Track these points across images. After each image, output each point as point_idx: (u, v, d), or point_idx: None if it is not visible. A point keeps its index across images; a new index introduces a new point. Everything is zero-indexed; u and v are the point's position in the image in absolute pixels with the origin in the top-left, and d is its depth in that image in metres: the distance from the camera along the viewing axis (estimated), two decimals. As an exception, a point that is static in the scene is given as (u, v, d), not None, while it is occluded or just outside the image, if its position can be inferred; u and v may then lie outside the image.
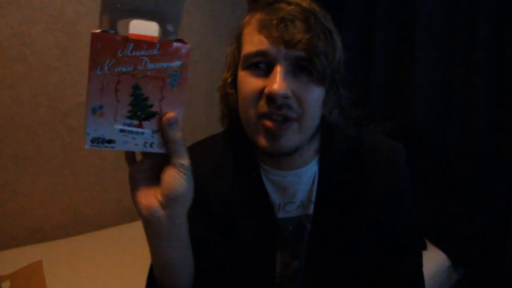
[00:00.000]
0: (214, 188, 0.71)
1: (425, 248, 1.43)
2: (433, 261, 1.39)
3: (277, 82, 0.59)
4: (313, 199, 0.71)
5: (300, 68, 0.61)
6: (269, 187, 0.71)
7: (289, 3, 0.63)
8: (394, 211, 0.71)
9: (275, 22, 0.60)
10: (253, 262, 0.72)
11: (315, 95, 0.62)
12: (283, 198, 0.72)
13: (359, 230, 0.70)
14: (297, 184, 0.71)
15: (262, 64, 0.62)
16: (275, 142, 0.62)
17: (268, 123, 0.61)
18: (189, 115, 1.91)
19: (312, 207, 0.71)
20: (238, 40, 0.67)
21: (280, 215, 0.72)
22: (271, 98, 0.59)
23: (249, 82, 0.62)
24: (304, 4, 0.64)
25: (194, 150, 0.74)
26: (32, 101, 1.51)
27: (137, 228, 1.64)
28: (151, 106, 0.45)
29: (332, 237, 0.70)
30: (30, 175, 1.55)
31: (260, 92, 0.61)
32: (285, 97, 0.60)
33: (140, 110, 0.46)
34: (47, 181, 1.59)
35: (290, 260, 0.74)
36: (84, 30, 1.59)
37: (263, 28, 0.61)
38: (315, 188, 0.71)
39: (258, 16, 0.63)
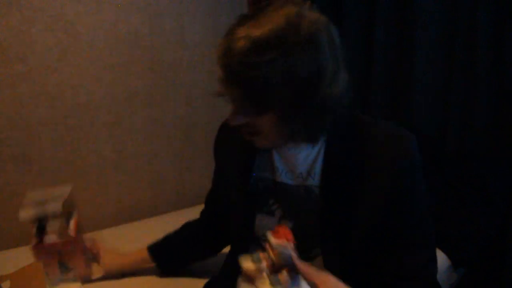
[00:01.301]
0: (231, 153, 0.90)
1: (425, 248, 1.42)
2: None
3: (229, 117, 0.72)
4: (312, 173, 0.79)
5: (242, 103, 0.70)
6: (276, 155, 0.82)
7: (243, 27, 0.66)
8: (396, 199, 0.73)
9: (218, 57, 0.69)
10: (244, 219, 0.87)
11: (263, 122, 0.70)
12: (286, 166, 0.82)
13: (360, 218, 0.74)
14: (298, 157, 0.79)
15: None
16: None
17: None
18: (189, 114, 1.91)
19: (310, 180, 0.79)
20: None
21: (280, 179, 0.83)
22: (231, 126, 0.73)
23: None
24: (253, 30, 0.64)
25: (226, 124, 0.92)
26: (32, 101, 1.51)
27: (136, 228, 1.64)
28: None
29: (338, 207, 0.76)
30: (30, 175, 1.55)
31: None
32: (238, 126, 0.72)
33: None
34: (47, 181, 1.58)
35: (282, 220, 0.83)
36: (84, 30, 1.59)
37: (218, 61, 0.70)
38: (316, 163, 0.78)
39: (219, 41, 0.71)
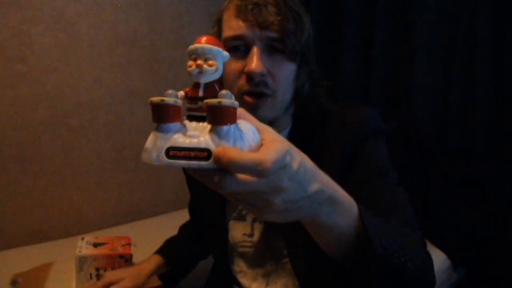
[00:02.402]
0: None
1: (425, 247, 1.42)
2: (433, 261, 1.39)
3: (254, 62, 0.67)
4: None
5: (273, 48, 0.70)
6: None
7: None
8: (349, 166, 0.71)
9: (250, 7, 0.68)
10: (216, 226, 0.86)
11: (287, 71, 0.71)
12: None
13: None
14: None
15: (241, 47, 0.70)
16: (253, 113, 0.65)
17: (248, 98, 0.70)
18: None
19: None
20: (218, 23, 0.75)
21: None
22: (249, 77, 0.68)
23: (230, 65, 0.70)
24: None
25: None
26: (32, 101, 1.51)
27: (136, 228, 1.64)
28: None
29: None
30: (30, 175, 1.55)
31: (240, 73, 0.70)
32: (262, 74, 0.68)
33: None
34: (47, 181, 1.58)
35: (256, 225, 0.82)
36: (84, 30, 1.59)
37: (239, 13, 0.69)
38: None
39: (235, 2, 0.71)
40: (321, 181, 0.47)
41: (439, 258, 1.41)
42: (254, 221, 0.82)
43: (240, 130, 0.41)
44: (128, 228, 1.65)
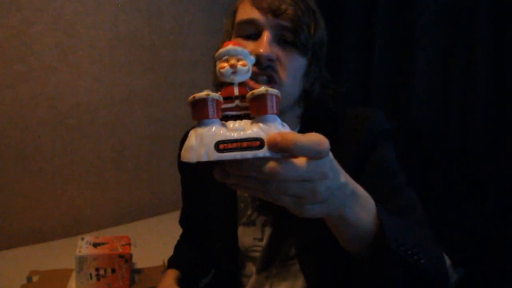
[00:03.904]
0: (199, 173, 0.87)
1: (425, 248, 1.42)
2: (433, 261, 1.39)
3: (263, 45, 0.66)
4: None
5: (285, 39, 0.69)
6: None
7: None
8: (362, 172, 0.71)
9: None
10: (225, 233, 0.83)
11: (297, 63, 0.70)
12: None
13: None
14: None
15: (252, 34, 0.70)
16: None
17: (252, 83, 0.66)
18: (189, 114, 1.90)
19: None
20: (233, 14, 0.75)
21: None
22: (258, 60, 0.64)
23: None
24: None
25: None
26: (32, 101, 1.51)
27: (136, 228, 1.64)
28: None
29: None
30: (30, 175, 1.55)
31: None
32: (270, 59, 0.66)
33: None
34: (47, 181, 1.58)
35: (264, 228, 0.80)
36: (84, 30, 1.59)
37: (255, 1, 0.69)
38: None
39: None
40: (345, 175, 0.49)
41: (439, 258, 1.41)
42: (264, 225, 0.81)
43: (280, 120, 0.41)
44: (128, 228, 1.65)
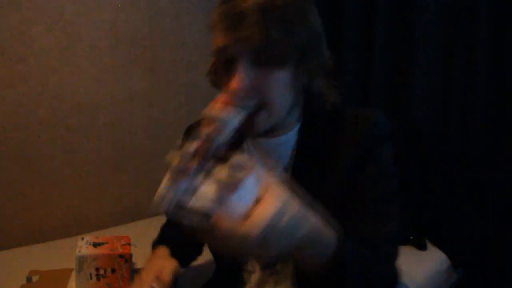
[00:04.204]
0: None
1: (425, 248, 1.43)
2: (433, 261, 1.39)
3: (236, 80, 0.66)
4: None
5: (259, 59, 0.66)
6: (255, 152, 0.80)
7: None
8: (362, 169, 0.73)
9: (229, 20, 0.66)
10: None
11: (278, 80, 0.68)
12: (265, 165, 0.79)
13: (329, 191, 0.73)
14: (280, 149, 0.77)
15: (231, 61, 0.68)
16: (249, 128, 0.70)
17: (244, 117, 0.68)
18: (189, 114, 1.91)
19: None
20: (212, 31, 0.74)
21: None
22: (234, 94, 0.66)
23: (223, 81, 0.70)
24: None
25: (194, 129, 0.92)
26: (32, 101, 1.51)
27: (136, 228, 1.64)
28: None
29: (304, 197, 0.76)
30: (30, 175, 1.55)
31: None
32: (245, 91, 0.66)
33: None
34: (47, 181, 1.58)
35: None
36: (84, 30, 1.59)
37: (222, 24, 0.67)
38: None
39: (219, 10, 0.69)
40: (308, 226, 0.54)
41: (439, 258, 1.41)
42: None
43: (243, 187, 0.48)
44: (128, 228, 1.65)
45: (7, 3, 1.41)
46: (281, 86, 0.69)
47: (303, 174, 0.75)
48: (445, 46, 1.61)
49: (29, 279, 1.17)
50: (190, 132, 0.96)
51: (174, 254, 0.95)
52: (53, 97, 1.56)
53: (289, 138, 0.77)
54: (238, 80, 0.66)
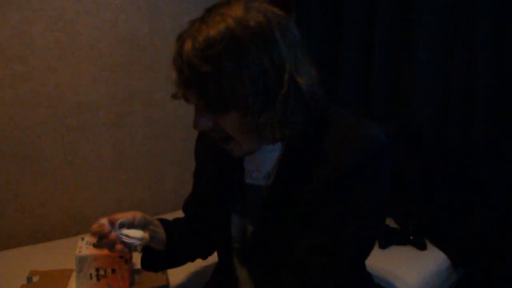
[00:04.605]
0: (209, 153, 0.90)
1: (425, 248, 1.43)
2: (433, 261, 1.39)
3: (194, 121, 0.72)
4: (273, 172, 0.79)
5: (204, 106, 0.69)
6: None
7: (192, 31, 0.67)
8: (333, 192, 0.71)
9: (176, 67, 0.68)
10: (215, 216, 0.88)
11: (227, 122, 0.69)
12: (252, 166, 0.81)
13: (306, 204, 0.73)
14: (264, 156, 0.78)
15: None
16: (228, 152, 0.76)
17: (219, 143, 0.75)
18: (189, 114, 1.90)
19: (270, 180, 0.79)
20: None
21: (248, 180, 0.82)
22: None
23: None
24: (200, 33, 0.65)
25: (205, 136, 0.89)
26: (32, 101, 1.51)
27: (137, 228, 1.64)
28: None
29: (283, 207, 0.77)
30: (30, 175, 1.55)
31: None
32: (204, 129, 0.72)
33: None
34: (47, 181, 1.59)
35: (247, 224, 0.84)
36: (84, 30, 1.59)
37: (173, 67, 0.69)
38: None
39: (173, 49, 0.70)
40: None
41: (439, 258, 1.41)
42: (252, 220, 0.83)
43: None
44: (128, 228, 1.65)
45: (7, 3, 1.41)
46: (235, 126, 0.70)
47: (284, 181, 0.76)
48: (445, 46, 1.61)
49: (29, 279, 1.17)
50: (203, 138, 0.97)
51: (170, 239, 0.91)
52: (53, 97, 1.56)
53: (277, 146, 0.77)
54: (195, 123, 0.72)
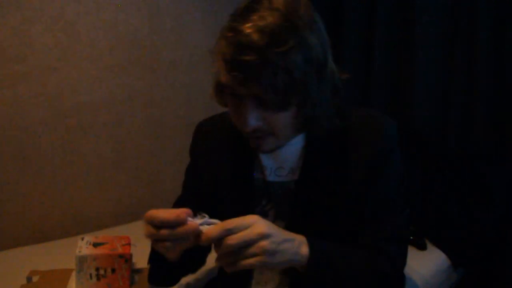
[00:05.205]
0: (214, 152, 0.88)
1: (425, 248, 1.43)
2: (433, 261, 1.39)
3: (245, 120, 0.69)
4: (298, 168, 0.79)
5: (264, 103, 0.67)
6: (262, 154, 0.81)
7: (249, 22, 0.63)
8: (373, 178, 0.76)
9: (235, 64, 0.63)
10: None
11: (280, 118, 0.70)
12: (275, 163, 0.80)
13: (339, 195, 0.76)
14: (287, 152, 0.79)
15: (235, 94, 0.69)
16: (257, 149, 0.75)
17: (251, 143, 0.74)
18: (189, 114, 1.91)
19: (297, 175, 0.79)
20: (215, 58, 0.72)
21: (271, 178, 0.82)
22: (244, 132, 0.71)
23: (231, 106, 0.73)
24: (262, 22, 0.62)
25: (203, 127, 0.94)
26: (32, 101, 1.51)
27: (136, 228, 1.64)
28: None
29: (314, 201, 0.78)
30: (30, 175, 1.55)
31: (238, 119, 0.71)
32: (254, 129, 0.70)
33: None
34: (47, 181, 1.58)
35: (278, 222, 0.82)
36: (84, 30, 1.59)
37: (226, 64, 0.65)
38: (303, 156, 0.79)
39: (222, 43, 0.66)
40: (288, 232, 0.67)
41: (439, 258, 1.41)
42: (276, 218, 0.82)
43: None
44: (128, 228, 1.65)
45: (7, 3, 1.41)
46: (285, 122, 0.71)
47: (313, 174, 0.77)
48: (445, 46, 1.61)
49: (29, 279, 1.17)
50: (201, 131, 0.95)
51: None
52: (53, 97, 1.56)
53: (297, 140, 0.78)
54: (246, 122, 0.68)
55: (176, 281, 0.93)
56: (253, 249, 0.60)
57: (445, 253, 1.42)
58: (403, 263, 0.79)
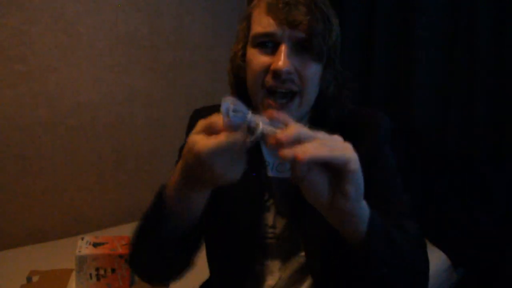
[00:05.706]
0: None
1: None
2: (433, 261, 1.38)
3: (282, 60, 0.69)
4: None
5: (301, 47, 0.70)
6: (264, 149, 0.78)
7: None
8: (371, 170, 0.74)
9: (280, 5, 0.69)
10: (241, 216, 0.82)
11: (313, 71, 0.72)
12: (274, 158, 0.77)
13: None
14: None
15: (269, 43, 0.71)
16: (280, 109, 0.72)
17: (271, 102, 0.71)
18: (189, 114, 1.90)
19: None
20: (247, 20, 0.76)
21: (272, 173, 0.78)
22: (276, 74, 0.69)
23: (258, 59, 0.72)
24: None
25: (200, 113, 0.91)
26: (32, 101, 1.51)
27: (137, 228, 1.64)
28: None
29: None
30: (30, 175, 1.55)
31: (267, 68, 0.71)
32: (289, 73, 0.69)
33: None
34: (47, 181, 1.58)
35: (279, 217, 0.81)
36: (84, 30, 1.59)
37: (270, 11, 0.70)
38: None
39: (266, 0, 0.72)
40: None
41: (439, 258, 1.41)
42: (277, 214, 0.82)
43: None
44: (128, 228, 1.63)
45: (7, 3, 1.41)
46: (314, 77, 0.73)
47: None
48: (445, 46, 1.61)
49: (29, 279, 1.17)
50: (197, 116, 0.94)
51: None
52: (53, 97, 1.56)
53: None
54: (284, 60, 0.69)
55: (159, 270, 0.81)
56: (359, 181, 0.56)
57: (445, 253, 1.42)
58: (424, 238, 0.78)
